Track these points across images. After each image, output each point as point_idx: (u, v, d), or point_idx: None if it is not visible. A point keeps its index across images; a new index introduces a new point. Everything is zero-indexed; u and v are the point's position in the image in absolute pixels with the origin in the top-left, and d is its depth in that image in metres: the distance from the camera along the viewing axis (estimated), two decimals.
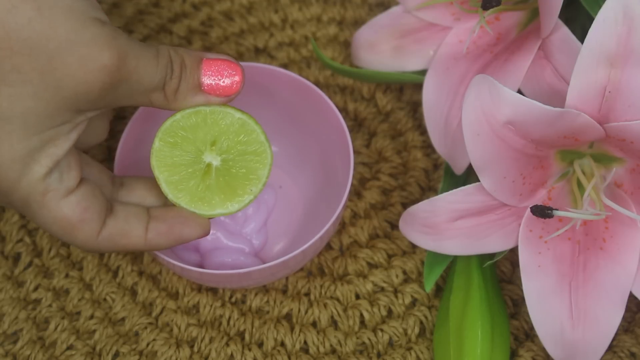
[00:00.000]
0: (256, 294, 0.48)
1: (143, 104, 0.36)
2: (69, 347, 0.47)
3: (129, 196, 0.40)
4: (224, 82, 0.37)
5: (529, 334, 0.47)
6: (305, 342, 0.47)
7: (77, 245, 0.37)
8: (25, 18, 0.31)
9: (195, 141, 0.38)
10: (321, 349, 0.46)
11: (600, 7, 0.37)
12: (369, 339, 0.47)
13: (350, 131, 0.46)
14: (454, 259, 0.47)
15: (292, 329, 0.47)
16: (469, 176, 0.48)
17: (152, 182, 0.40)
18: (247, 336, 0.47)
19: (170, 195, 0.39)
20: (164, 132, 0.38)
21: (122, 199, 0.40)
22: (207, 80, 0.37)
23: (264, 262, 0.44)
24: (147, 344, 0.47)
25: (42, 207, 0.35)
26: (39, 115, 0.33)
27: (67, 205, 0.35)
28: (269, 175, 0.40)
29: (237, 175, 0.39)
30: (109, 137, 0.49)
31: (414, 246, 0.49)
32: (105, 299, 0.48)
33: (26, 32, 0.31)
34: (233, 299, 0.48)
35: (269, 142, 0.39)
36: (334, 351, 0.47)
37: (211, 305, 0.48)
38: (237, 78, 0.38)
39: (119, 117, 0.53)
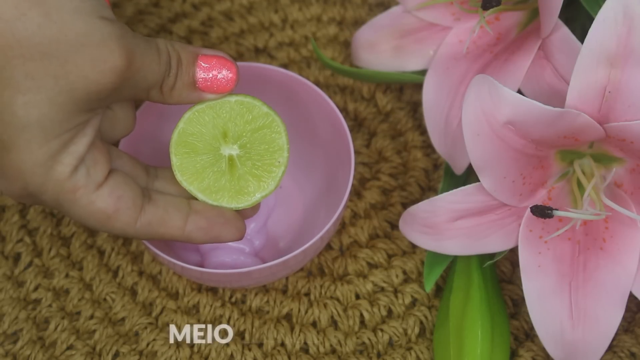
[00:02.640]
0: (256, 294, 0.48)
1: (141, 98, 0.37)
2: (69, 347, 0.47)
3: (165, 188, 0.40)
4: (218, 79, 0.38)
5: (529, 334, 0.47)
6: (305, 342, 0.47)
7: (116, 234, 0.37)
8: (34, 24, 0.31)
9: (207, 140, 0.39)
10: (321, 349, 0.46)
11: (600, 7, 0.37)
12: (369, 339, 0.47)
13: (350, 131, 0.46)
14: (454, 259, 0.47)
15: (292, 329, 0.47)
16: (469, 176, 0.48)
17: None
18: (247, 336, 0.47)
19: (210, 201, 0.39)
20: (175, 146, 0.39)
21: (160, 190, 0.40)
22: (202, 78, 0.37)
23: (264, 262, 0.44)
24: (147, 344, 0.47)
25: (74, 204, 0.35)
26: (54, 120, 0.33)
27: (99, 198, 0.35)
28: (288, 141, 0.40)
29: (260, 155, 0.39)
30: None
31: (414, 246, 0.49)
32: (105, 299, 0.48)
33: (37, 38, 0.31)
34: (233, 299, 0.48)
35: (274, 109, 0.39)
36: (334, 351, 0.47)
37: (211, 305, 0.48)
38: (231, 75, 0.38)
39: None
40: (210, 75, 0.38)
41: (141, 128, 0.45)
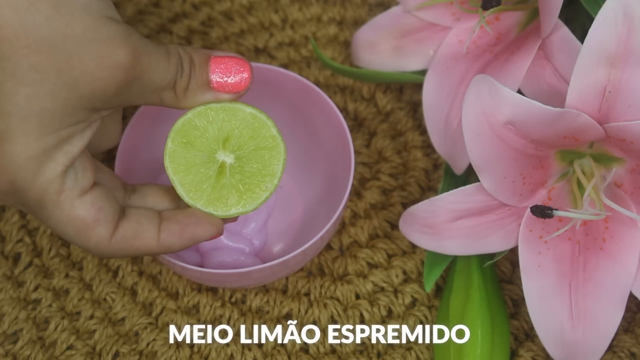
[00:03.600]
0: (256, 294, 0.48)
1: (154, 102, 0.36)
2: (69, 347, 0.47)
3: (141, 202, 0.40)
4: (232, 79, 0.38)
5: (529, 334, 0.47)
6: (305, 342, 0.47)
7: (90, 250, 0.36)
8: (42, 16, 0.31)
9: (208, 139, 0.38)
10: (321, 349, 0.46)
11: (600, 7, 0.37)
12: (369, 339, 0.47)
13: (350, 131, 0.46)
14: (454, 259, 0.47)
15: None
16: (469, 176, 0.48)
17: (164, 188, 0.40)
18: (247, 336, 0.47)
19: (186, 197, 0.38)
20: (176, 133, 0.38)
21: (134, 205, 0.40)
22: (216, 78, 0.37)
23: (264, 262, 0.44)
24: (147, 344, 0.47)
25: (56, 206, 0.35)
26: (55, 114, 0.33)
27: (81, 205, 0.35)
28: (284, 170, 0.39)
29: (251, 173, 0.39)
30: None
31: (414, 246, 0.49)
32: (105, 299, 0.48)
33: (44, 30, 0.31)
34: (233, 299, 0.48)
35: (282, 135, 0.39)
36: (334, 351, 0.47)
37: (211, 305, 0.48)
38: (245, 75, 0.38)
39: None
40: (224, 75, 0.37)
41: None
